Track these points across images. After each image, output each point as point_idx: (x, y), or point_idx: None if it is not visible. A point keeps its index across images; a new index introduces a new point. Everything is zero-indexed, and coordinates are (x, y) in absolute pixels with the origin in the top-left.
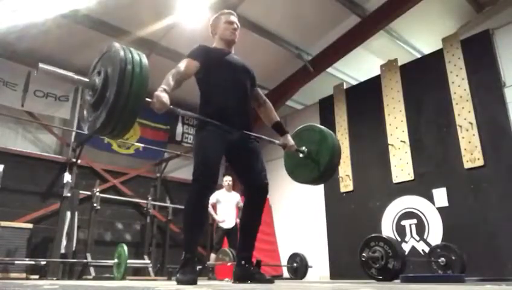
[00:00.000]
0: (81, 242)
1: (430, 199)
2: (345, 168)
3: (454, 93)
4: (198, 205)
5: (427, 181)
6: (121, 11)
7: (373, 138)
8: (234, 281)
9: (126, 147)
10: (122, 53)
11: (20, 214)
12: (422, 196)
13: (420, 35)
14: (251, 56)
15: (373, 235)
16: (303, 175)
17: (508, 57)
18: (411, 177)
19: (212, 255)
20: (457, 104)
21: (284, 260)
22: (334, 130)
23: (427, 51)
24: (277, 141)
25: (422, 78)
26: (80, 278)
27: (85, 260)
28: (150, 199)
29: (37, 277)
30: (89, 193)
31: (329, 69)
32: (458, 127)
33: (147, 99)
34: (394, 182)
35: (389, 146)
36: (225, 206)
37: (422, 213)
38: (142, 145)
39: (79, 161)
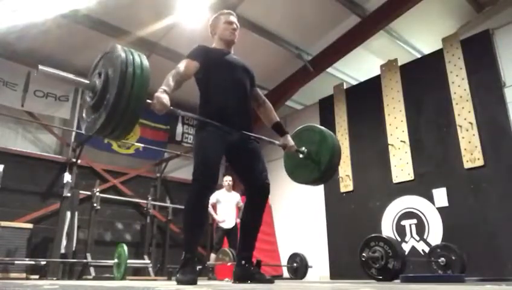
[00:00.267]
0: (81, 242)
1: (430, 199)
2: (345, 168)
3: (454, 93)
4: (198, 205)
5: (427, 181)
6: (121, 11)
7: (373, 138)
8: (234, 281)
9: (126, 147)
10: (123, 54)
11: (20, 214)
12: (422, 196)
13: (420, 35)
14: (251, 56)
15: (373, 235)
16: (303, 176)
17: (508, 57)
18: (411, 177)
19: (212, 255)
20: (457, 104)
21: (284, 260)
22: (334, 130)
23: (427, 51)
24: (277, 142)
25: (422, 78)
26: (79, 278)
27: (85, 260)
28: (150, 199)
29: (37, 277)
30: (89, 193)
31: (329, 69)
32: (458, 127)
33: (148, 100)
34: (394, 182)
35: (389, 146)
36: (225, 206)
37: (422, 213)
38: (142, 145)
39: (79, 161)
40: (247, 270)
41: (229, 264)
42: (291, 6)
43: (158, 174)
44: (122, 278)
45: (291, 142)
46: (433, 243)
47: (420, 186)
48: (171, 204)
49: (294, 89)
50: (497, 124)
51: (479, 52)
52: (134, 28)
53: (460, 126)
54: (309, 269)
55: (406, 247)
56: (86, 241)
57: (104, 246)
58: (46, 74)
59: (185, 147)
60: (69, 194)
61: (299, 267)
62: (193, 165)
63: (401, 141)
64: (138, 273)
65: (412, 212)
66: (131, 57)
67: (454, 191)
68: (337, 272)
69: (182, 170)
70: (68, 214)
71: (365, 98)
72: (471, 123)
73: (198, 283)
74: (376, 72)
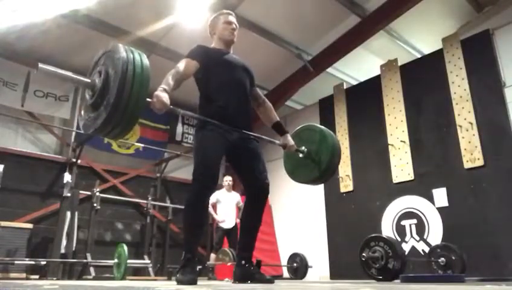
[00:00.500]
0: (81, 242)
1: (430, 199)
2: (345, 168)
3: (454, 93)
4: (198, 205)
5: (427, 181)
6: (121, 11)
7: (373, 138)
8: (234, 281)
9: (126, 147)
10: (124, 53)
11: (20, 214)
12: (422, 196)
13: (420, 35)
14: (251, 56)
15: (373, 235)
16: (303, 175)
17: (508, 57)
18: (411, 177)
19: (212, 255)
20: (457, 104)
21: (284, 260)
22: (334, 130)
23: (427, 51)
24: (277, 141)
25: (422, 78)
26: (79, 278)
27: (85, 260)
28: (150, 199)
29: (37, 277)
30: (89, 193)
31: (329, 69)
32: (458, 127)
33: (148, 99)
34: (394, 182)
35: (389, 146)
36: (225, 206)
37: (422, 213)
38: (142, 145)
39: (79, 161)
40: (247, 270)
41: (229, 264)
42: (291, 6)
43: (158, 174)
44: (122, 278)
45: (291, 141)
46: (433, 243)
47: (420, 186)
48: (171, 204)
49: (294, 89)
50: (497, 124)
51: (479, 52)
52: (134, 28)
53: (460, 126)
54: (309, 269)
55: (406, 247)
56: (86, 241)
57: (104, 246)
58: (46, 72)
59: (185, 147)
60: (69, 194)
61: (299, 267)
62: (193, 165)
63: (401, 141)
64: (138, 273)
65: (412, 212)
66: (131, 56)
67: (454, 191)
68: (337, 272)
69: (182, 170)
70: (68, 214)
71: (365, 98)
72: (471, 123)
73: (198, 283)
74: (376, 72)
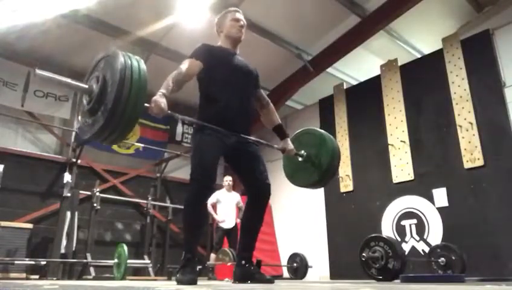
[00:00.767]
0: (81, 242)
1: (430, 199)
2: (345, 168)
3: (454, 93)
4: (197, 205)
5: (427, 181)
6: (121, 11)
7: (373, 138)
8: (234, 281)
9: (126, 147)
10: (121, 59)
11: (20, 214)
12: (422, 196)
13: (420, 35)
14: (251, 56)
15: (373, 235)
16: (302, 179)
17: (508, 57)
18: (411, 177)
19: (212, 255)
20: (457, 104)
21: (284, 260)
22: (334, 130)
23: (427, 51)
24: (276, 145)
25: (422, 78)
26: (79, 278)
27: (85, 260)
28: (150, 199)
29: (37, 277)
30: (89, 193)
31: (329, 69)
32: (458, 127)
33: (146, 104)
34: (394, 182)
35: (389, 146)
36: (225, 206)
37: (422, 213)
38: (142, 145)
39: (79, 161)
40: (247, 270)
41: (229, 264)
42: (291, 6)
43: (158, 174)
44: (122, 278)
45: (291, 145)
46: (433, 243)
47: (420, 186)
48: (171, 204)
49: (294, 89)
50: (497, 124)
51: (479, 52)
52: (134, 28)
53: (460, 126)
54: (309, 269)
55: (406, 247)
56: (86, 241)
57: (104, 246)
58: (44, 78)
59: (185, 147)
60: (69, 194)
61: (299, 267)
62: (191, 165)
63: (401, 141)
64: (138, 273)
65: (412, 212)
66: (129, 62)
67: (454, 191)
68: (337, 272)
69: (182, 170)
70: (68, 214)
71: (365, 98)
72: (471, 123)
73: (198, 283)
74: (376, 72)
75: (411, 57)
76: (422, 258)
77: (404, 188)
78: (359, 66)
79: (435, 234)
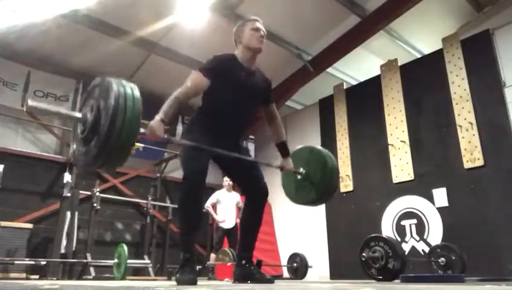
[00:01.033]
0: (81, 242)
1: (430, 199)
2: (345, 168)
3: (454, 93)
4: (190, 204)
5: (427, 181)
6: (121, 11)
7: (373, 138)
8: (234, 281)
9: None
10: (115, 87)
11: (20, 214)
12: (422, 196)
13: (420, 35)
14: None
15: (373, 235)
16: (301, 197)
17: (508, 57)
18: (411, 177)
19: (212, 255)
20: (457, 104)
21: (284, 260)
22: (334, 130)
23: (427, 51)
24: (274, 165)
25: (422, 78)
26: (79, 278)
27: (85, 260)
28: (150, 199)
29: (37, 277)
30: (89, 193)
31: (329, 69)
32: (458, 127)
33: (141, 130)
34: (394, 182)
35: (389, 146)
36: (225, 206)
37: (422, 213)
38: (142, 145)
39: None
40: (247, 270)
41: (229, 264)
42: (291, 6)
43: (158, 174)
44: (122, 278)
45: (291, 164)
46: (433, 243)
47: (420, 186)
48: (171, 204)
49: (294, 89)
50: (497, 124)
51: (479, 52)
52: (134, 28)
53: (460, 126)
54: (309, 269)
55: (406, 247)
56: (86, 241)
57: (104, 246)
58: (35, 109)
59: None
60: (69, 194)
61: (299, 267)
62: (181, 166)
63: (401, 141)
64: (138, 273)
65: (412, 212)
66: (122, 90)
67: (454, 191)
68: (337, 272)
69: None
70: (68, 214)
71: (365, 98)
72: (471, 123)
73: (198, 283)
74: (376, 72)
75: (411, 57)
76: (422, 258)
77: (404, 188)
78: (359, 66)
79: (435, 234)
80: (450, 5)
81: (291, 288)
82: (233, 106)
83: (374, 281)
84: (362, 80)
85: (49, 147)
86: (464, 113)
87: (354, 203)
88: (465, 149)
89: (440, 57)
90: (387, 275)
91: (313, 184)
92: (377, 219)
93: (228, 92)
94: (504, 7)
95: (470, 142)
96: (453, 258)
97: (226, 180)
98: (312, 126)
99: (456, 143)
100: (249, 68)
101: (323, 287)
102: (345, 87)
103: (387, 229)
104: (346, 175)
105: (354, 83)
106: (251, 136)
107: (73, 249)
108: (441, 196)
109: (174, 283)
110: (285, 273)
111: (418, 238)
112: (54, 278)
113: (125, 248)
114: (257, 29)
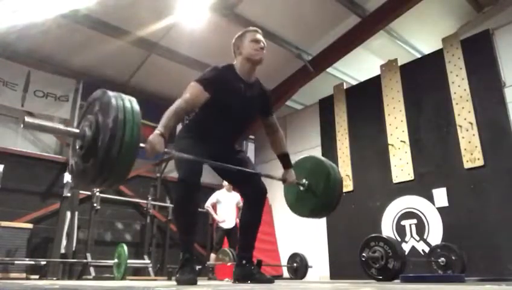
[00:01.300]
0: (81, 242)
1: (430, 199)
2: (345, 168)
3: (454, 93)
4: (186, 204)
5: (427, 181)
6: (121, 11)
7: (373, 138)
8: (234, 281)
9: None
10: (113, 101)
11: (20, 214)
12: (422, 196)
13: (420, 35)
14: None
15: (373, 235)
16: (303, 208)
17: (508, 57)
18: (411, 177)
19: (212, 255)
20: (457, 104)
21: (284, 260)
22: (334, 130)
23: (427, 51)
24: (277, 177)
25: (422, 78)
26: (79, 278)
27: (85, 260)
28: (150, 199)
29: (37, 277)
30: (89, 193)
31: (329, 69)
32: (458, 127)
33: (141, 144)
34: (394, 182)
35: (389, 146)
36: (225, 206)
37: (422, 213)
38: (143, 145)
39: None
40: (247, 270)
41: (229, 264)
42: (291, 6)
43: (158, 174)
44: (122, 278)
45: (293, 176)
46: (433, 243)
47: (420, 186)
48: (171, 204)
49: (294, 89)
50: (497, 124)
51: (479, 52)
52: (134, 28)
53: (460, 126)
54: (309, 269)
55: (406, 247)
56: (86, 241)
57: (104, 246)
58: (33, 126)
59: None
60: (69, 194)
61: (299, 267)
62: (176, 168)
63: (401, 141)
64: (138, 273)
65: (412, 212)
66: (121, 103)
67: (454, 191)
68: (337, 272)
69: None
70: (68, 214)
71: (365, 98)
72: (471, 123)
73: (198, 283)
74: (376, 72)
75: (411, 57)
76: (422, 258)
77: (404, 188)
78: (359, 66)
79: (435, 234)
80: (450, 5)
81: (291, 288)
82: (231, 117)
83: (374, 281)
84: (362, 80)
85: (49, 147)
86: (464, 113)
87: (354, 203)
88: (465, 149)
89: (440, 57)
90: (387, 275)
91: (316, 196)
92: (377, 219)
93: (226, 103)
94: (504, 7)
95: (470, 142)
96: (453, 258)
97: None
98: (312, 126)
99: (456, 143)
100: (248, 80)
101: (323, 287)
102: (345, 87)
103: (387, 229)
104: (346, 175)
105: (354, 83)
106: (251, 136)
107: (73, 249)
108: (441, 196)
109: (174, 283)
110: (285, 273)
111: (418, 238)
112: (54, 278)
113: (125, 247)
114: (257, 41)
